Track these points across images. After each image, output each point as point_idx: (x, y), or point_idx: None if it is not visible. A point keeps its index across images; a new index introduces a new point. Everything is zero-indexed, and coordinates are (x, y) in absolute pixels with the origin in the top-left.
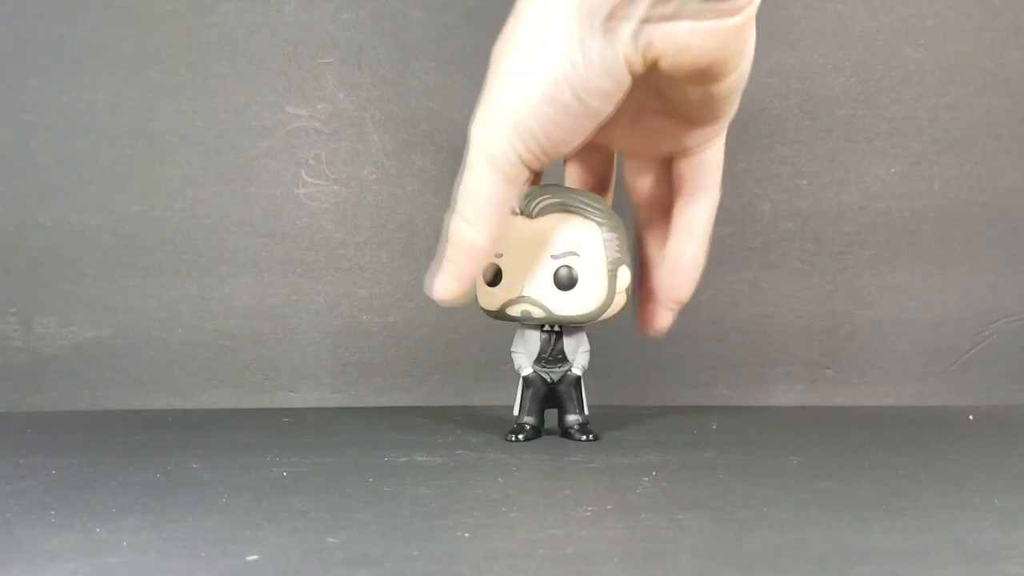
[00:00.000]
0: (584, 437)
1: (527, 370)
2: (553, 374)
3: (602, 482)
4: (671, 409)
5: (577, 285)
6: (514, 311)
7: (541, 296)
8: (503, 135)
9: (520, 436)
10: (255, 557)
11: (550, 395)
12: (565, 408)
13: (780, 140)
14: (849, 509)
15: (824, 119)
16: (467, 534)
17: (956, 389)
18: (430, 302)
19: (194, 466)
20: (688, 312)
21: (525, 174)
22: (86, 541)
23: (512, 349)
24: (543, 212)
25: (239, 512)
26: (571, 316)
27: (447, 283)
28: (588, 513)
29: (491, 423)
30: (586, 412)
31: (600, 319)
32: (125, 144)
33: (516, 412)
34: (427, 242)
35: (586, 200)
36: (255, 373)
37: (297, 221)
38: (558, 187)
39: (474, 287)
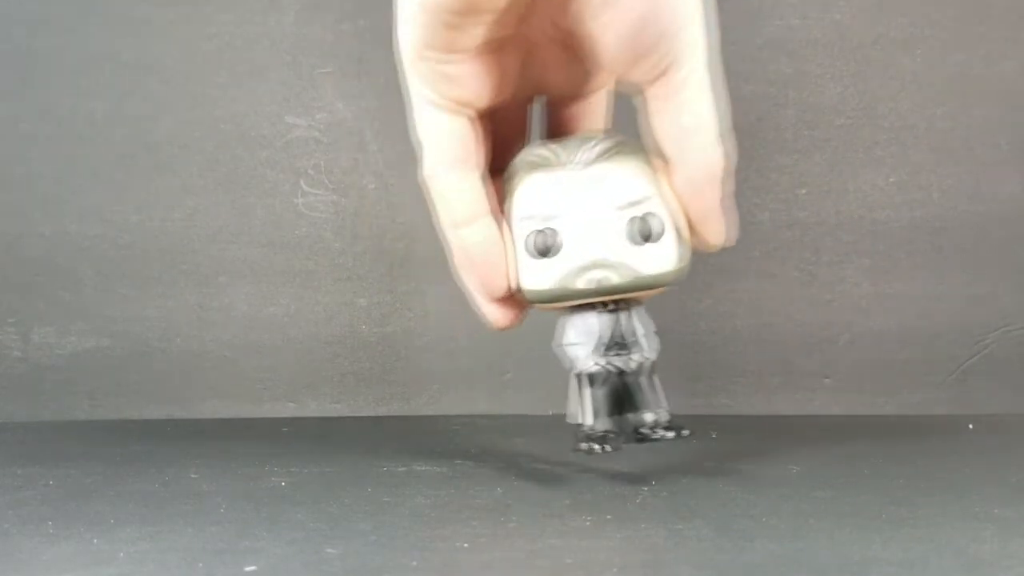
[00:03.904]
0: (673, 434)
1: (590, 363)
2: (628, 361)
3: (601, 492)
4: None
5: (661, 234)
6: (584, 282)
7: (621, 255)
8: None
9: (605, 447)
10: (253, 568)
11: (619, 391)
12: (641, 404)
13: (779, 149)
14: (849, 519)
15: (822, 128)
16: (466, 544)
17: (955, 398)
18: (429, 311)
19: (192, 476)
20: (687, 321)
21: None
22: (84, 552)
23: (563, 343)
24: (597, 159)
25: (237, 522)
26: (663, 272)
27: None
28: (587, 523)
29: (490, 433)
30: (665, 405)
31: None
32: (124, 154)
33: (588, 419)
34: (426, 252)
35: (635, 142)
36: (253, 383)
37: (296, 231)
38: (598, 133)
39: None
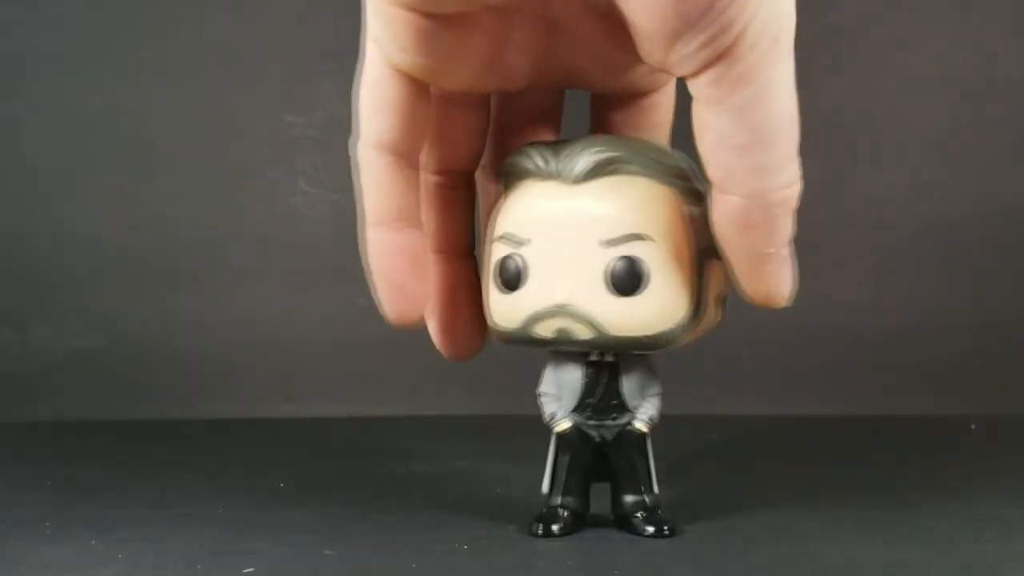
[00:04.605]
0: (652, 529)
1: (563, 423)
2: (604, 430)
3: (602, 492)
4: (670, 419)
5: (646, 286)
6: (544, 330)
7: (588, 305)
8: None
9: (553, 528)
10: (251, 569)
11: (598, 462)
12: (622, 483)
13: None
14: (851, 519)
15: (823, 128)
16: (465, 546)
17: (956, 398)
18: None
19: (190, 477)
20: None
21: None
22: (81, 553)
23: (539, 390)
24: (591, 174)
25: (236, 524)
26: (636, 336)
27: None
28: (587, 523)
29: (490, 434)
30: (655, 489)
31: (682, 342)
32: (122, 153)
33: (546, 488)
34: None
35: (656, 154)
36: (252, 383)
37: (294, 230)
38: (611, 137)
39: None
